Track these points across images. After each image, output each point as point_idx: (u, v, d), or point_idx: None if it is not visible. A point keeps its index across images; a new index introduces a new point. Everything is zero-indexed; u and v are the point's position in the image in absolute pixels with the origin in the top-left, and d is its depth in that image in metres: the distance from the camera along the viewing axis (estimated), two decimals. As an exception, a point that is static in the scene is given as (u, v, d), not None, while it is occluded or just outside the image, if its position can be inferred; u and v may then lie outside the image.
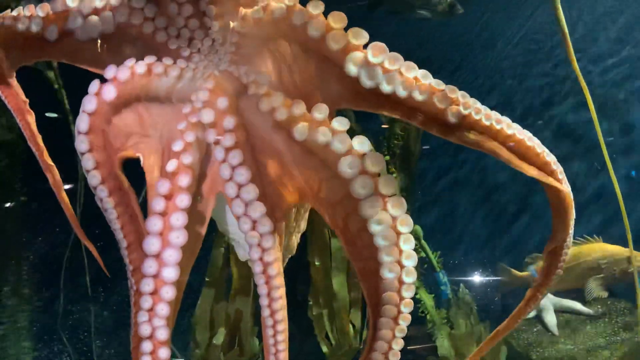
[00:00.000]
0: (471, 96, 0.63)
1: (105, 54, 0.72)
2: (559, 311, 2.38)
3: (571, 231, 0.71)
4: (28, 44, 0.74)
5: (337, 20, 0.61)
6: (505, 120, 0.65)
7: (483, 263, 2.79)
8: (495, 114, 0.64)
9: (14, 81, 0.77)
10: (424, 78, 0.62)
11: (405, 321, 0.61)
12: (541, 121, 3.05)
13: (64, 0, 0.71)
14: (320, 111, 0.63)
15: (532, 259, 2.54)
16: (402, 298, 0.61)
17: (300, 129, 0.62)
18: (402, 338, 0.61)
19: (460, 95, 0.62)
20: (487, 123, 0.63)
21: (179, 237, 0.62)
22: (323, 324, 1.96)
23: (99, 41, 0.72)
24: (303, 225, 0.86)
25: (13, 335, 2.49)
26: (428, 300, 2.40)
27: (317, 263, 1.92)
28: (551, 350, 2.28)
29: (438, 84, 0.62)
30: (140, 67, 0.67)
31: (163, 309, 0.61)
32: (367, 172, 0.60)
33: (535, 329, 2.36)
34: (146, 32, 0.70)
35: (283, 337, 0.65)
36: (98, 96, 0.67)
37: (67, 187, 0.78)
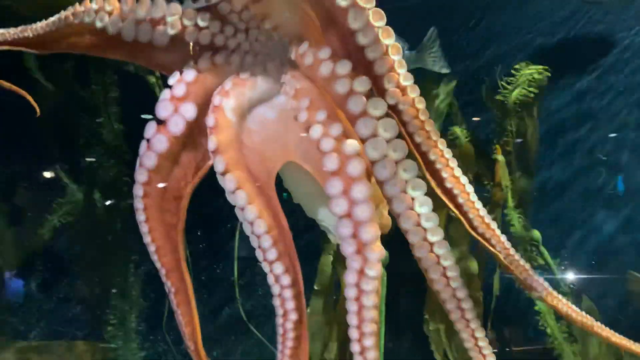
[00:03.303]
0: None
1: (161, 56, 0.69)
2: None
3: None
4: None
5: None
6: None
7: (609, 271, 2.52)
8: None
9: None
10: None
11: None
12: None
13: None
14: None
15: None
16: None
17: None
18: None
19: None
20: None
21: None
22: (440, 341, 1.82)
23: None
24: None
25: (121, 335, 2.55)
26: (547, 311, 2.18)
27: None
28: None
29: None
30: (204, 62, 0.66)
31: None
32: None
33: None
34: (204, 42, 0.66)
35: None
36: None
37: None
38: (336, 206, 0.56)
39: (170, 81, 0.65)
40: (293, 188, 0.71)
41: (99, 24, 0.66)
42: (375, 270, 0.56)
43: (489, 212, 2.14)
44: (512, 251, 0.68)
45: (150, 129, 0.64)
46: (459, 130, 2.21)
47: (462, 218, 0.66)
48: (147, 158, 0.64)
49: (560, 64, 2.53)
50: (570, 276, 2.42)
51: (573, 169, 2.74)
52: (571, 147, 2.73)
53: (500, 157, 1.96)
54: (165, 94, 0.65)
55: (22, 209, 2.73)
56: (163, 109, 0.64)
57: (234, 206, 0.63)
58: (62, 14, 0.67)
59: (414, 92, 0.61)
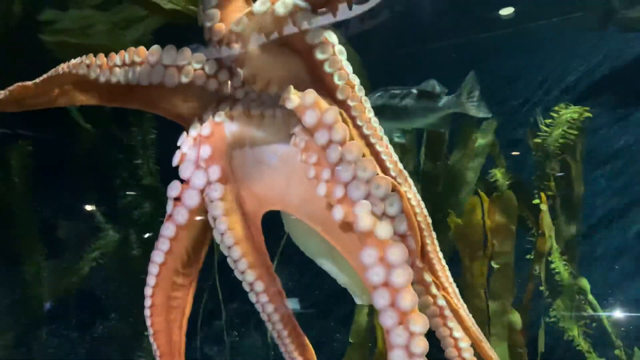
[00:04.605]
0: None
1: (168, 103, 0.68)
2: None
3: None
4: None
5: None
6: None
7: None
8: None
9: None
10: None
11: None
12: None
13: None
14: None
15: None
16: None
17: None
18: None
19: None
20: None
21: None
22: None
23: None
24: None
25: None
26: (597, 366, 2.04)
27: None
28: None
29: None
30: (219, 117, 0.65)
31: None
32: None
33: None
34: (211, 88, 0.66)
35: None
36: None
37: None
38: (373, 275, 0.52)
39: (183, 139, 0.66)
40: (303, 245, 0.69)
41: (113, 79, 0.65)
42: (423, 347, 0.51)
43: (534, 262, 2.01)
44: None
45: (176, 187, 0.63)
46: (499, 173, 2.14)
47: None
48: (178, 214, 0.63)
49: (602, 101, 2.44)
50: (622, 326, 2.26)
51: (620, 207, 2.62)
52: (616, 184, 2.62)
53: (543, 207, 1.86)
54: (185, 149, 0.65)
55: (58, 248, 2.75)
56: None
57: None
58: (83, 62, 0.66)
59: (361, 91, 0.65)
